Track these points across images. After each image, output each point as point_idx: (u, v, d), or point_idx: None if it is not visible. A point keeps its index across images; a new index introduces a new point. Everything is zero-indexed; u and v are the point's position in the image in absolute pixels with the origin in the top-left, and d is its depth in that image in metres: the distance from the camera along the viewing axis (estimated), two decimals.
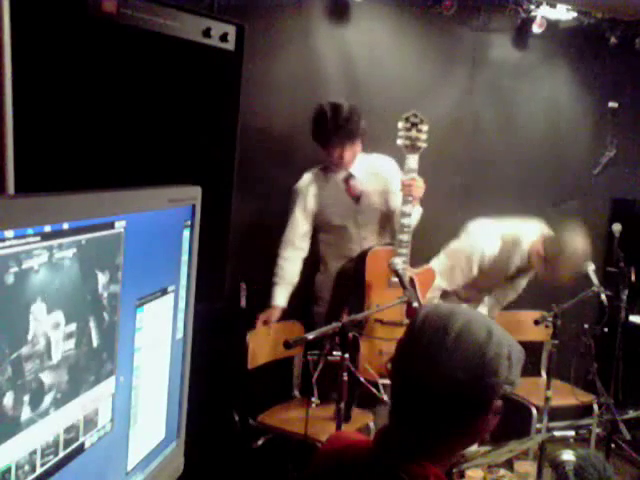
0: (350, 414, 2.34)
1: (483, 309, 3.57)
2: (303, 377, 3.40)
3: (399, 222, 3.10)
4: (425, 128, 3.09)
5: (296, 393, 3.40)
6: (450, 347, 1.19)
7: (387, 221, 3.38)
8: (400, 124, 3.09)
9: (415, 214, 3.18)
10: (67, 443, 1.17)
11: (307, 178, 3.34)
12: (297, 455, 3.03)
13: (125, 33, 1.85)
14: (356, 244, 3.31)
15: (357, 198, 3.31)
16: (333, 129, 3.14)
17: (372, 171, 3.34)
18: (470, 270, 3.34)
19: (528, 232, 3.31)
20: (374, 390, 2.84)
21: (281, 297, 3.27)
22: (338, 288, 3.34)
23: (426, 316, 1.25)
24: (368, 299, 3.11)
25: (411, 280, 3.10)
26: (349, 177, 3.31)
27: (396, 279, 2.89)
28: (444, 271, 3.35)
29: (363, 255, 3.21)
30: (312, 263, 3.38)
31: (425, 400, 1.22)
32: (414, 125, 3.08)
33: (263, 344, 3.21)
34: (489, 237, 3.31)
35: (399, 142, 3.09)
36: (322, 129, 3.18)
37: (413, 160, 3.09)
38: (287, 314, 3.35)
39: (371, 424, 3.15)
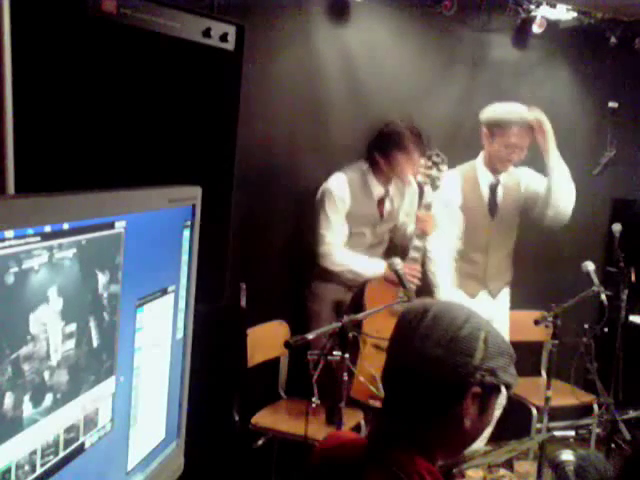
0: (341, 415, 2.35)
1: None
2: (291, 377, 3.40)
3: (409, 255, 3.17)
4: (445, 168, 3.17)
5: (282, 393, 3.40)
6: (426, 326, 1.21)
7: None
8: (422, 162, 3.16)
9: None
10: (67, 443, 1.17)
11: (343, 182, 3.26)
12: (297, 455, 3.03)
13: (125, 33, 1.85)
14: (365, 250, 3.33)
15: (383, 214, 3.36)
16: (409, 137, 3.17)
17: (399, 187, 3.39)
18: (454, 215, 3.41)
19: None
20: (373, 389, 2.85)
21: (378, 263, 3.27)
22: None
23: (409, 306, 1.31)
24: (365, 326, 3.09)
25: None
26: (385, 196, 3.34)
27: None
28: (441, 236, 3.38)
29: (362, 285, 3.25)
30: (311, 266, 3.36)
31: (403, 381, 1.24)
32: (435, 164, 3.15)
33: (256, 344, 3.21)
34: (450, 179, 3.37)
35: (419, 179, 3.19)
36: (396, 137, 3.18)
37: (430, 197, 3.17)
38: (272, 314, 3.37)
39: (362, 422, 3.17)
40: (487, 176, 3.45)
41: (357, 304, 3.25)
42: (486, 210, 3.46)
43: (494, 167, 3.42)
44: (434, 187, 3.16)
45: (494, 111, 3.34)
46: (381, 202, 3.34)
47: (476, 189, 3.45)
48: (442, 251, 3.40)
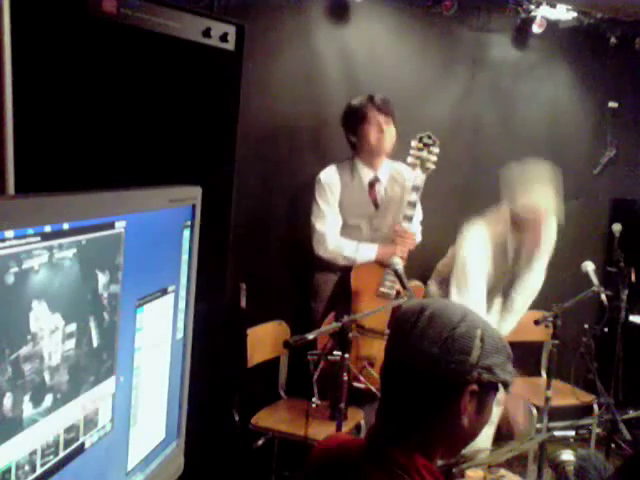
0: (341, 416, 2.34)
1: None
2: (292, 377, 3.39)
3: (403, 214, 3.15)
4: (436, 150, 3.13)
5: (282, 394, 3.39)
6: (423, 325, 1.22)
7: None
8: (413, 143, 3.13)
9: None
10: (67, 443, 1.17)
11: (333, 171, 3.29)
12: (296, 455, 3.04)
13: (125, 33, 1.85)
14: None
15: (377, 203, 3.31)
16: (369, 106, 3.16)
17: (396, 178, 3.34)
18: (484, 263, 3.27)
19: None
20: (373, 389, 2.85)
21: (371, 247, 3.23)
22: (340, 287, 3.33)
23: (406, 306, 1.32)
24: (353, 307, 3.11)
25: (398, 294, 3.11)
26: (375, 181, 3.31)
27: (385, 290, 3.07)
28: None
29: (349, 268, 3.23)
30: (310, 259, 3.35)
31: (401, 380, 1.24)
32: (426, 146, 3.12)
33: (256, 344, 3.20)
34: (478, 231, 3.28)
35: (409, 160, 3.14)
36: (357, 110, 3.20)
37: (420, 180, 3.13)
38: (274, 314, 3.36)
39: (362, 422, 3.16)
40: (507, 238, 3.28)
41: (343, 287, 3.24)
42: (504, 261, 3.30)
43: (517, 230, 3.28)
44: (424, 169, 3.12)
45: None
46: (372, 187, 3.30)
47: (502, 245, 3.28)
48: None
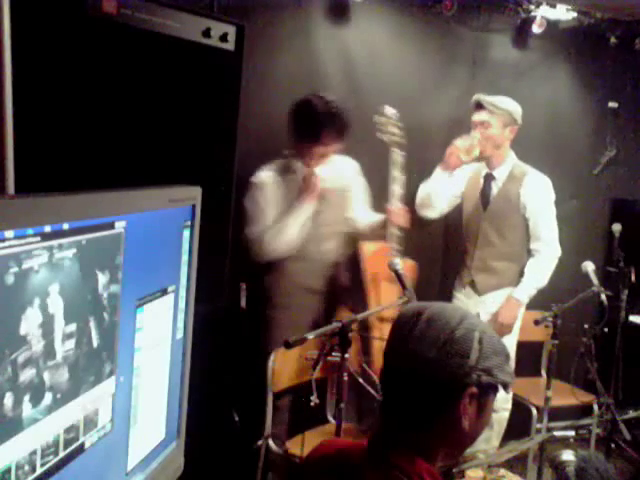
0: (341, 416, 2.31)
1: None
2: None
3: (390, 244, 3.05)
4: (399, 124, 3.06)
5: (330, 418, 3.16)
6: (421, 328, 1.22)
7: (346, 221, 3.23)
8: (378, 119, 3.05)
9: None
10: (67, 443, 1.17)
11: (266, 174, 3.05)
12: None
13: (125, 33, 1.85)
14: (314, 245, 3.10)
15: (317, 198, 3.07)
16: (325, 124, 2.93)
17: (333, 171, 3.12)
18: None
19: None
20: (372, 391, 2.84)
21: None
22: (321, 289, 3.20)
23: (404, 308, 1.32)
24: (369, 295, 3.08)
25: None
26: (311, 174, 3.04)
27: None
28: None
29: (358, 252, 3.14)
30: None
31: (400, 384, 1.25)
32: (388, 119, 3.05)
33: (285, 366, 2.96)
34: (464, 169, 3.50)
35: (385, 138, 3.04)
36: (310, 123, 2.95)
37: (399, 155, 3.04)
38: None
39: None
40: (484, 168, 3.48)
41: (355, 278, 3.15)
42: (478, 200, 3.46)
43: (485, 157, 3.43)
44: (399, 145, 3.01)
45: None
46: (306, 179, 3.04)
47: (475, 179, 3.50)
48: None
